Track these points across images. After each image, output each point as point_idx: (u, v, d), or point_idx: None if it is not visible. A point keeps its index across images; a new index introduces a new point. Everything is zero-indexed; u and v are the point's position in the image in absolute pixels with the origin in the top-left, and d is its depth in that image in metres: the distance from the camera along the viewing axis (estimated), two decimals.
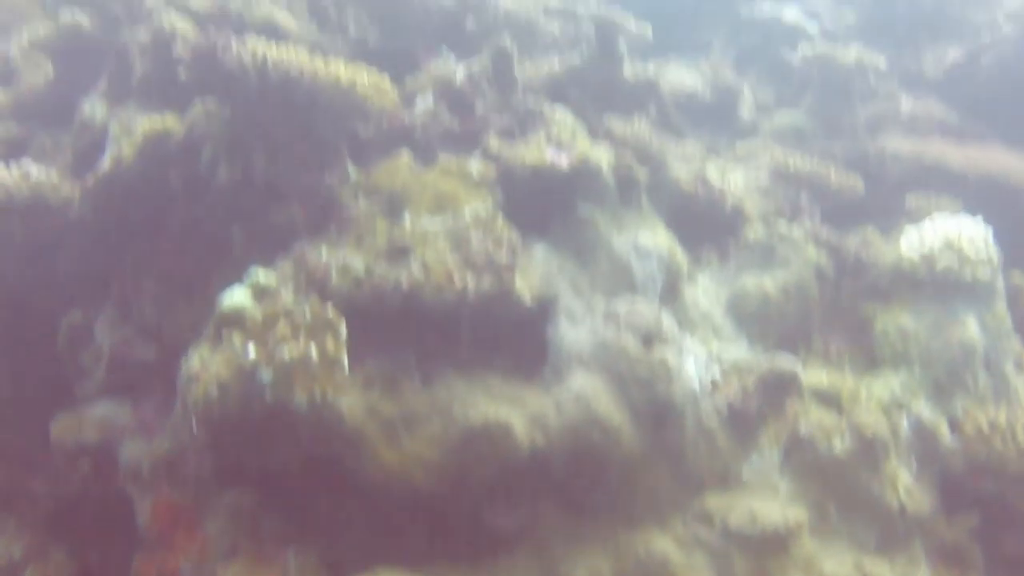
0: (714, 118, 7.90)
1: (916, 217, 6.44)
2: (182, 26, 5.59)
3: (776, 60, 9.24)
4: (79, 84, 6.47)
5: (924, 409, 5.40)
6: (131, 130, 5.25)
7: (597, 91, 6.47)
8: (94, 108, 5.96)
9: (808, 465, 5.05)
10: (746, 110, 8.18)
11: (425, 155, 5.27)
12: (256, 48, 4.61)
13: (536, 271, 4.91)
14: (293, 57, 4.64)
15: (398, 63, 6.25)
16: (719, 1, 10.28)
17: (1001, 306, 5.93)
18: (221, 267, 4.95)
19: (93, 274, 5.66)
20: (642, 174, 5.50)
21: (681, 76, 8.01)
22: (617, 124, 5.98)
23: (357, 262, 4.52)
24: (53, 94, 6.69)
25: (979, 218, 5.96)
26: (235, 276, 4.64)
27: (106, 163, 5.27)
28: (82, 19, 6.56)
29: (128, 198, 5.25)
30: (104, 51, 6.40)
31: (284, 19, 6.12)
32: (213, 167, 4.87)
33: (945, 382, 5.56)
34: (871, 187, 7.29)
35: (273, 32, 5.99)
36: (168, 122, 5.09)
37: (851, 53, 8.20)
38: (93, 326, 5.62)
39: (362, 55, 6.28)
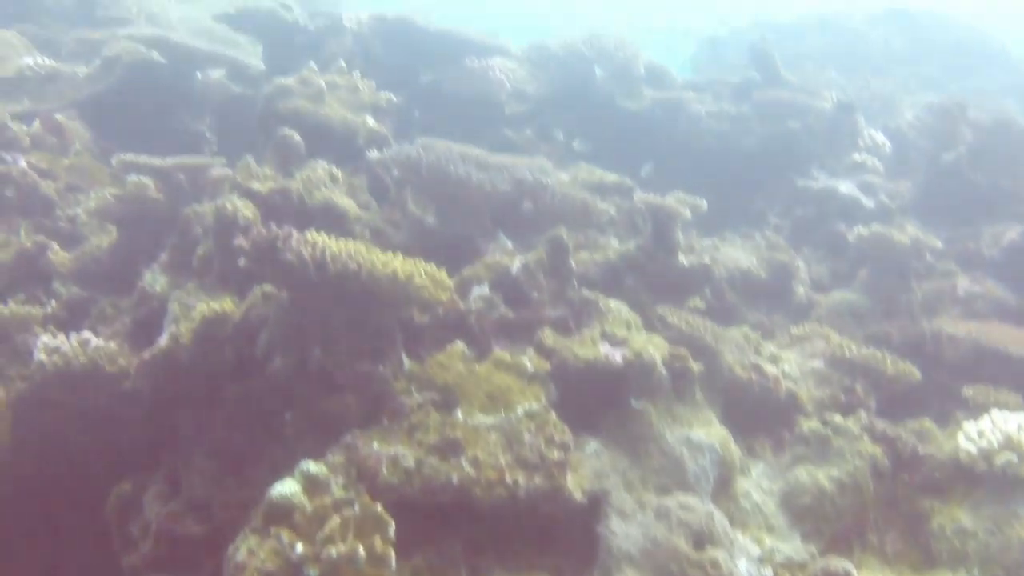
0: (769, 296, 7.92)
1: (974, 408, 6.36)
2: (245, 211, 5.74)
3: (831, 233, 9.30)
4: (142, 249, 6.64)
5: None
6: (190, 311, 5.35)
7: (652, 277, 6.53)
8: (155, 279, 6.08)
9: None
10: (801, 288, 8.20)
11: (480, 345, 5.32)
12: (315, 242, 4.69)
13: (588, 467, 4.89)
14: (351, 250, 4.71)
15: (455, 245, 6.36)
16: (774, 172, 10.42)
17: None
18: (272, 449, 4.98)
19: (145, 445, 5.71)
20: (696, 366, 5.51)
21: (736, 254, 8.06)
22: (672, 315, 6.00)
23: (408, 456, 4.52)
24: (116, 258, 6.86)
25: None
26: (286, 458, 4.64)
27: (164, 340, 5.34)
28: (147, 186, 6.74)
29: (183, 375, 5.31)
30: (167, 219, 6.58)
31: (344, 202, 6.27)
32: (269, 353, 4.93)
33: None
34: (927, 369, 7.21)
35: (333, 214, 6.14)
36: (226, 305, 5.18)
37: (907, 233, 8.22)
38: (143, 497, 5.64)
39: (420, 236, 6.41)
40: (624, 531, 4.78)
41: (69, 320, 6.50)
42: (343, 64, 8.45)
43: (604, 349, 5.21)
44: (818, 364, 6.62)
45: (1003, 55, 20.58)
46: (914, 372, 6.67)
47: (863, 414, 6.04)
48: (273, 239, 4.71)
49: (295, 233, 4.75)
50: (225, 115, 9.71)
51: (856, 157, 10.57)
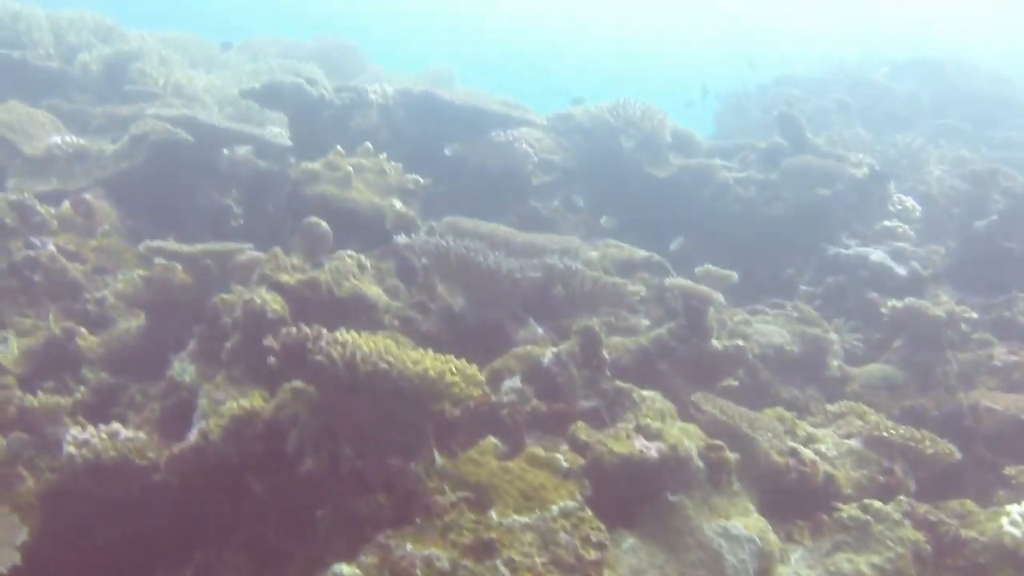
0: (802, 371, 7.84)
1: (1016, 488, 6.26)
2: (273, 305, 5.73)
3: (863, 302, 9.23)
4: (170, 335, 6.63)
5: None
6: (219, 406, 5.32)
7: (685, 363, 6.47)
8: (184, 369, 6.06)
9: None
10: (835, 361, 8.11)
11: (512, 439, 5.25)
12: (345, 341, 4.66)
13: (625, 565, 4.80)
14: (382, 348, 4.67)
15: (485, 332, 6.31)
16: (804, 239, 10.37)
17: None
18: (304, 547, 4.92)
19: (175, 538, 5.65)
20: (732, 456, 5.43)
21: (768, 329, 7.98)
22: (706, 402, 5.92)
23: (443, 558, 4.44)
24: (145, 344, 6.84)
25: None
26: (318, 557, 4.61)
27: (193, 436, 5.31)
28: (175, 270, 6.74)
29: (213, 471, 5.26)
30: (195, 303, 6.57)
31: (372, 291, 6.24)
32: (299, 452, 4.88)
33: None
34: (966, 443, 7.13)
35: (362, 304, 6.11)
36: (256, 402, 5.14)
37: (942, 305, 8.15)
38: None
39: (449, 323, 6.37)
40: None
41: (98, 406, 6.48)
42: (369, 145, 8.44)
43: (639, 443, 5.14)
44: (855, 444, 6.53)
45: None
46: (954, 452, 6.57)
47: (903, 499, 5.94)
48: (303, 340, 4.68)
49: (324, 333, 4.71)
50: (252, 190, 9.74)
51: (887, 223, 10.51)
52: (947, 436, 6.90)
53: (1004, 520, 5.70)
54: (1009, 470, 6.69)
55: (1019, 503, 5.82)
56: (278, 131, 10.75)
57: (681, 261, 9.40)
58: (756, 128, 17.70)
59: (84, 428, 5.59)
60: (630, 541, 4.97)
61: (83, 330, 6.93)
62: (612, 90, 13.78)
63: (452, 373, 4.76)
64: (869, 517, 5.62)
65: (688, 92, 23.50)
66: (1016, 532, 5.57)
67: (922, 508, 5.88)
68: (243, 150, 9.74)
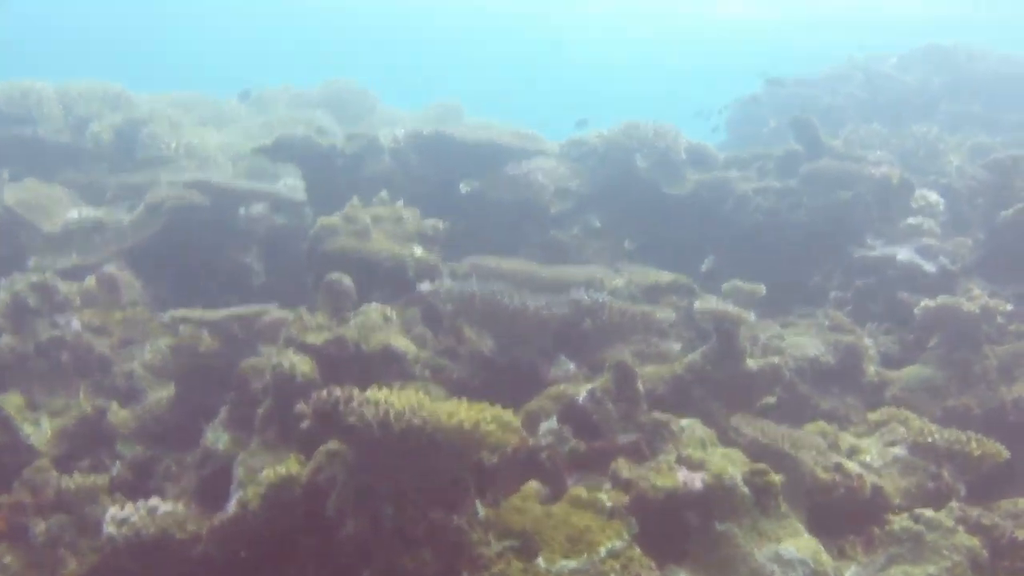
0: (840, 380, 7.73)
1: None
2: (302, 367, 5.71)
3: (894, 303, 9.11)
4: (201, 402, 6.62)
5: None
6: (256, 475, 5.28)
7: (721, 386, 6.40)
8: (218, 437, 6.07)
9: None
10: (871, 367, 8.01)
11: (553, 482, 5.20)
12: (377, 401, 4.62)
13: None
14: (415, 404, 4.62)
15: (516, 372, 6.27)
16: (829, 244, 10.28)
17: None
18: None
19: None
20: (777, 478, 5.35)
21: (801, 341, 7.89)
22: (746, 425, 5.86)
23: None
24: (176, 414, 6.84)
25: None
26: None
27: (232, 507, 5.28)
28: (201, 337, 6.74)
29: (255, 540, 5.23)
30: (224, 369, 6.56)
31: (401, 343, 6.21)
32: (340, 514, 4.84)
33: None
34: (1013, 439, 7.01)
35: (391, 357, 6.07)
36: (292, 467, 5.11)
37: (975, 300, 8.04)
38: None
39: (480, 367, 6.33)
40: None
41: (135, 481, 6.48)
42: (385, 194, 8.44)
43: (682, 476, 5.07)
44: (900, 451, 6.43)
45: None
46: (1001, 451, 6.46)
47: (954, 504, 5.84)
48: (334, 403, 4.63)
49: (356, 394, 4.67)
50: (271, 245, 9.78)
51: (911, 221, 10.37)
52: (992, 434, 6.80)
53: None
54: None
55: None
56: (292, 183, 10.78)
57: (710, 278, 9.34)
58: (770, 133, 17.62)
59: (123, 505, 5.57)
60: (682, 575, 4.90)
61: (114, 405, 6.92)
62: (620, 108, 13.75)
63: (487, 422, 4.71)
64: (921, 527, 5.53)
65: (697, 102, 23.43)
66: None
67: (975, 512, 5.77)
68: (259, 207, 9.75)
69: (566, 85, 57.97)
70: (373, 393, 4.73)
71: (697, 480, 5.06)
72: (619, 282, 8.16)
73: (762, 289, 8.45)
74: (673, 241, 11.00)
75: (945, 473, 6.30)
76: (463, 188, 10.42)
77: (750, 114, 20.26)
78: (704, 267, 10.61)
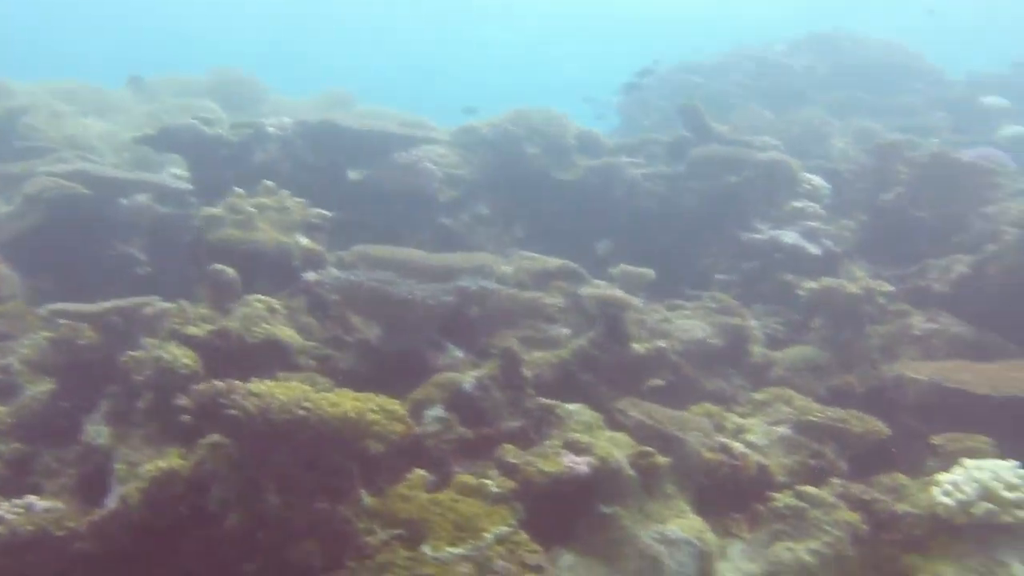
0: (726, 361, 7.85)
1: (944, 456, 6.31)
2: (184, 360, 5.62)
3: (780, 285, 9.28)
4: (81, 396, 6.46)
5: None
6: (137, 470, 5.18)
7: (608, 370, 6.46)
8: (98, 432, 5.89)
9: None
10: (757, 348, 8.15)
11: (440, 470, 5.20)
12: (260, 392, 4.58)
13: None
14: (298, 395, 4.60)
15: (404, 361, 6.25)
16: (717, 228, 10.41)
17: None
18: None
19: None
20: (663, 460, 5.42)
21: (687, 324, 7.99)
22: (632, 408, 5.92)
23: None
24: (56, 408, 6.65)
25: (1013, 461, 5.82)
26: None
27: (112, 502, 5.17)
28: (81, 330, 6.59)
29: (135, 536, 5.13)
30: (105, 362, 6.42)
31: (285, 333, 6.14)
32: (224, 508, 4.78)
33: None
34: (893, 415, 7.20)
35: (276, 349, 6.01)
36: (174, 461, 5.02)
37: (857, 282, 8.22)
38: None
39: (366, 357, 6.30)
40: None
41: (12, 478, 6.31)
42: (270, 183, 8.30)
43: (568, 460, 5.11)
44: (785, 430, 6.56)
45: (926, 70, 20.87)
46: (881, 428, 6.63)
47: (836, 481, 5.98)
48: (216, 395, 4.59)
49: (238, 386, 4.63)
50: (155, 236, 9.58)
51: (796, 204, 10.57)
52: (874, 411, 6.97)
53: (936, 490, 5.73)
54: (935, 439, 6.75)
55: (948, 471, 5.85)
56: (177, 173, 10.60)
57: (604, 263, 9.39)
58: (661, 118, 17.80)
59: None
60: (568, 559, 4.94)
61: None
62: (513, 97, 13.78)
63: (372, 411, 4.70)
64: (804, 503, 5.65)
65: (585, 90, 23.61)
66: (948, 501, 5.60)
67: (856, 488, 5.91)
68: (142, 197, 9.57)
69: (464, 75, 57.79)
70: (255, 385, 4.69)
71: (583, 464, 5.10)
72: (508, 269, 8.18)
73: (651, 273, 8.55)
74: (564, 227, 11.05)
75: (828, 450, 6.44)
76: (351, 176, 10.36)
77: (642, 100, 20.44)
78: (599, 251, 10.68)
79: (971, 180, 10.19)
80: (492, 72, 57.87)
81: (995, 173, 10.53)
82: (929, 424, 7.13)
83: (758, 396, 7.09)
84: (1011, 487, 5.60)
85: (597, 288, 7.04)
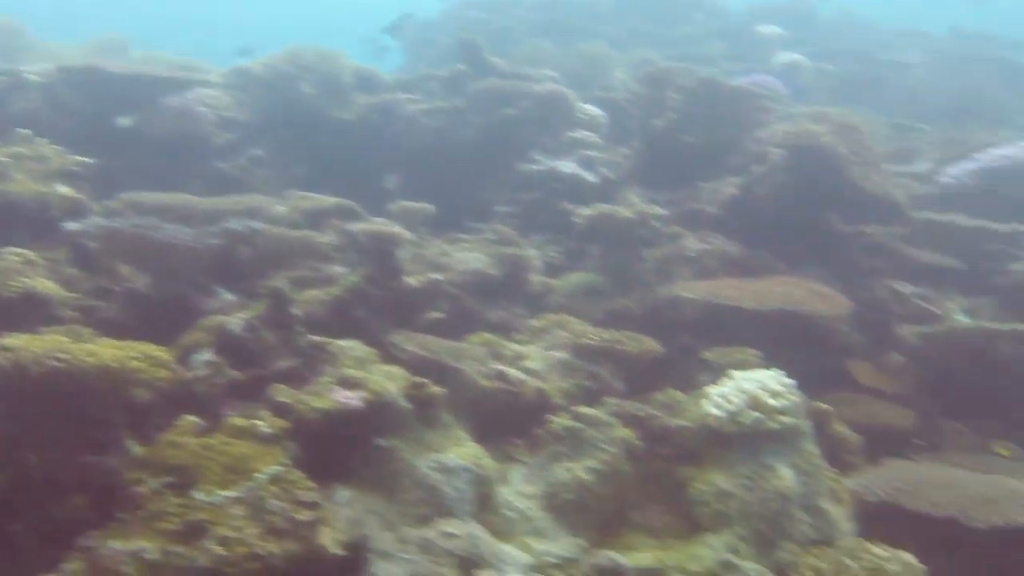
0: (506, 291, 7.93)
1: (716, 370, 6.54)
2: None
3: (558, 215, 9.40)
4: None
5: (753, 567, 5.36)
6: None
7: (383, 305, 6.46)
8: None
9: None
10: (536, 276, 8.26)
11: (210, 414, 5.11)
12: (11, 346, 4.42)
13: (342, 518, 4.77)
14: (54, 347, 4.46)
15: (173, 307, 6.11)
16: (497, 161, 10.47)
17: (809, 446, 6.02)
18: (4, 568, 4.67)
19: None
20: (438, 390, 5.46)
21: (466, 256, 8.04)
22: (407, 341, 5.94)
23: (151, 549, 4.30)
24: None
25: (776, 370, 6.07)
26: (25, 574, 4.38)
27: None
28: None
29: None
30: None
31: (45, 286, 5.91)
32: None
33: (769, 534, 5.57)
34: (670, 335, 7.42)
35: (35, 302, 5.80)
36: None
37: (631, 206, 8.40)
38: None
39: (133, 306, 6.13)
40: (390, 573, 4.70)
41: None
42: (26, 131, 7.94)
43: (340, 395, 5.09)
44: (562, 355, 6.70)
45: (707, 2, 21.39)
46: (655, 346, 6.84)
47: (611, 400, 6.13)
48: None
49: None
50: None
51: (574, 134, 10.71)
52: (651, 331, 7.18)
53: (706, 403, 5.94)
54: (706, 353, 7.00)
55: (718, 384, 6.07)
56: None
57: (387, 200, 9.31)
58: (443, 55, 17.77)
59: None
60: (345, 494, 4.93)
61: None
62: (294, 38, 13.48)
63: (135, 359, 4.60)
64: (581, 424, 5.77)
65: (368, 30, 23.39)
66: (718, 412, 5.82)
67: (630, 406, 6.08)
68: None
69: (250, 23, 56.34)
70: (8, 339, 4.53)
71: (355, 399, 5.09)
72: (281, 209, 8.06)
73: (430, 208, 8.56)
74: (345, 167, 10.93)
75: (604, 372, 6.61)
76: (121, 123, 10.03)
77: (427, 38, 20.39)
78: (387, 187, 10.62)
79: (740, 105, 10.50)
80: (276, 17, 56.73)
81: (764, 98, 10.90)
82: (703, 341, 7.39)
83: (536, 323, 7.21)
84: (775, 395, 5.85)
85: (369, 224, 6.99)
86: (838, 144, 9.09)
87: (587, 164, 10.07)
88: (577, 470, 5.57)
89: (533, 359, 6.59)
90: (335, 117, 11.19)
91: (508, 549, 5.08)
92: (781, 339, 7.45)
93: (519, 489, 5.59)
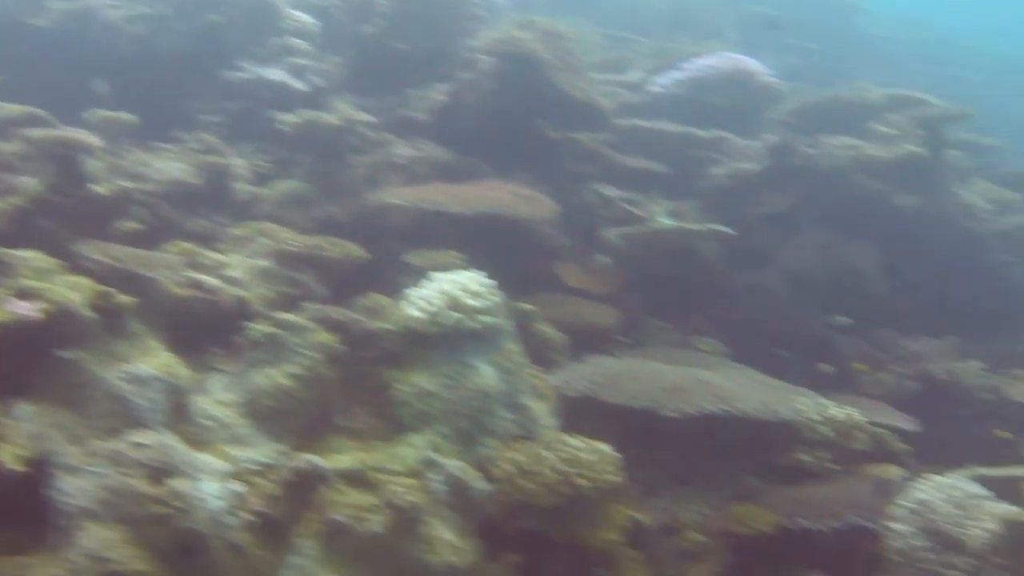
0: (209, 201, 7.77)
1: (419, 273, 6.60)
2: None
3: (265, 123, 9.23)
4: None
5: (455, 463, 5.50)
6: None
7: (70, 215, 6.20)
8: None
9: (350, 550, 5.04)
10: (241, 185, 8.12)
11: None
12: None
13: (23, 434, 4.61)
14: None
15: None
16: (202, 70, 10.16)
17: (510, 344, 6.21)
18: None
19: None
20: (127, 299, 5.30)
21: (167, 165, 7.82)
22: (95, 251, 5.73)
23: None
24: None
25: (476, 271, 6.18)
26: None
27: None
28: None
29: None
30: None
31: None
32: None
33: (470, 431, 5.74)
34: (377, 242, 7.46)
35: None
36: None
37: (339, 113, 8.34)
38: None
39: None
40: (77, 487, 4.59)
41: None
42: None
43: (16, 307, 4.87)
44: (264, 263, 6.66)
45: None
46: (358, 251, 6.87)
47: (312, 305, 6.12)
48: None
49: None
50: None
51: (282, 41, 10.48)
52: (360, 238, 7.19)
53: (407, 305, 6.00)
54: (409, 257, 7.07)
55: (419, 287, 6.13)
56: None
57: (90, 110, 8.85)
58: None
59: None
60: (26, 409, 4.76)
61: None
62: None
63: None
64: (280, 330, 5.74)
65: None
66: (419, 314, 5.89)
67: (332, 311, 6.08)
68: None
69: None
70: None
71: (33, 310, 4.89)
72: None
73: (132, 118, 8.25)
74: (43, 76, 10.33)
75: (306, 278, 6.59)
76: None
77: None
78: (85, 98, 10.13)
79: (450, 12, 10.53)
80: None
81: (475, 5, 10.95)
82: (411, 247, 7.46)
83: (238, 232, 7.10)
84: (475, 295, 5.98)
85: (52, 131, 6.67)
86: (544, 51, 9.26)
87: (296, 72, 9.90)
88: (277, 376, 5.57)
89: (234, 267, 6.50)
90: (29, 24, 10.53)
91: (204, 457, 5.05)
92: (488, 243, 7.60)
93: (217, 397, 5.55)
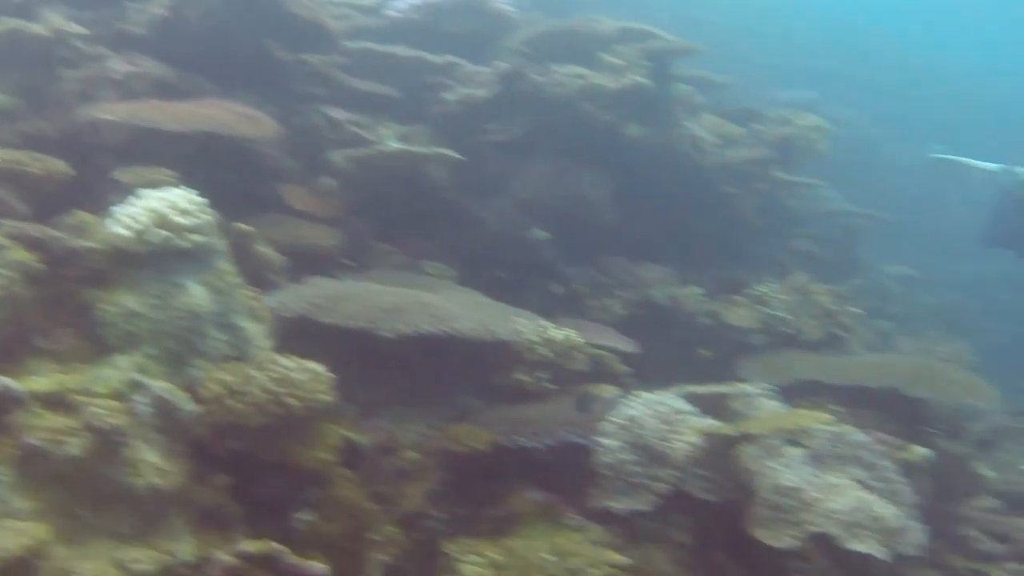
0: None
1: (127, 190, 6.37)
2: None
3: None
4: None
5: (161, 385, 5.37)
6: None
7: None
8: None
9: (47, 475, 4.88)
10: None
11: None
12: None
13: None
14: None
15: None
16: None
17: (223, 263, 6.08)
18: None
19: None
20: None
21: None
22: None
23: None
24: None
25: (185, 188, 6.00)
26: None
27: None
28: None
29: None
30: None
31: None
32: None
33: (179, 352, 5.62)
34: (88, 160, 7.19)
35: None
36: None
37: (48, 24, 7.95)
38: None
39: None
40: None
41: None
42: None
43: None
44: None
45: None
46: (63, 168, 6.61)
47: (9, 222, 5.83)
48: None
49: None
50: None
51: None
52: (71, 155, 6.91)
53: (113, 221, 5.79)
54: (118, 174, 6.83)
55: (126, 205, 5.92)
56: None
57: None
58: None
59: None
60: None
61: None
62: None
63: None
64: None
65: None
66: (125, 232, 5.69)
67: (30, 228, 5.81)
68: None
69: None
70: None
71: None
72: None
73: None
74: None
75: (5, 194, 6.28)
76: None
77: None
78: None
79: None
80: None
81: None
82: (124, 164, 7.21)
83: None
84: (185, 213, 5.81)
85: None
86: None
87: None
88: None
89: None
90: None
91: None
92: (208, 163, 7.44)
93: None
